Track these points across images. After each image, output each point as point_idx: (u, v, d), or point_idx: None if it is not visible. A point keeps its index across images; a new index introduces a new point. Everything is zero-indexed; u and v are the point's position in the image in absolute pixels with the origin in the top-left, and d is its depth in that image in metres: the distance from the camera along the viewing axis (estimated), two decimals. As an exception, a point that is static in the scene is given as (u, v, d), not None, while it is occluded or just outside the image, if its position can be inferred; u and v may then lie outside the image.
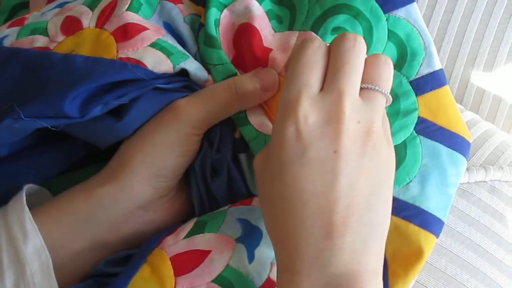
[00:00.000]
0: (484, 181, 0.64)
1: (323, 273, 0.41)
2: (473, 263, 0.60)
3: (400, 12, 0.55)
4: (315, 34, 0.54)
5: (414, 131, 0.53)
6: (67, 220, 0.50)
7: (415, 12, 0.56)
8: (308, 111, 0.43)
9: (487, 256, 0.61)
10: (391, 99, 0.47)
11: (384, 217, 0.45)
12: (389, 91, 0.46)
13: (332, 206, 0.42)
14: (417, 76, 0.55)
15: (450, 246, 0.60)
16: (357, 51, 0.45)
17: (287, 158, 0.43)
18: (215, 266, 0.48)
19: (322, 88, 0.45)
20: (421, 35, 0.56)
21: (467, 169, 0.64)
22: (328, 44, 0.47)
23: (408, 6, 0.56)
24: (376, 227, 0.43)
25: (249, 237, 0.50)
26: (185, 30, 0.58)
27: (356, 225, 0.42)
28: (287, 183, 0.43)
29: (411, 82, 0.55)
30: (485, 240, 0.61)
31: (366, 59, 0.47)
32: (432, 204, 0.51)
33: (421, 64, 0.55)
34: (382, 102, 0.46)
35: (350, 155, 0.42)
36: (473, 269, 0.60)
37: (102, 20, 0.56)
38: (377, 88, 0.45)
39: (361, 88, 0.45)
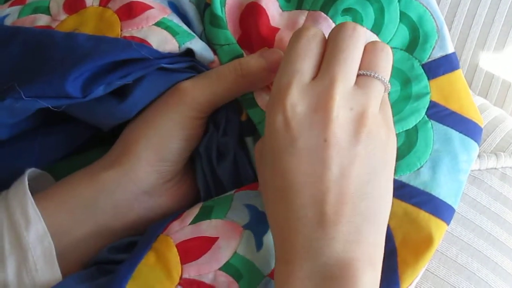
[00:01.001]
0: (495, 168, 0.64)
1: (316, 262, 0.41)
2: (484, 251, 0.60)
3: None
4: (324, 15, 0.53)
5: (425, 116, 0.52)
6: (70, 205, 0.50)
7: None
8: (297, 99, 0.43)
9: (498, 244, 0.61)
10: (389, 86, 0.46)
11: (381, 205, 0.44)
12: (387, 78, 0.46)
13: (323, 195, 0.41)
14: (430, 60, 0.54)
15: (461, 235, 0.60)
16: (354, 40, 0.44)
17: (277, 147, 0.43)
18: (222, 253, 0.47)
19: (316, 76, 0.44)
20: (433, 17, 0.55)
21: (478, 156, 0.64)
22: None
23: None
24: (372, 216, 0.43)
25: (257, 224, 0.49)
26: (190, 10, 0.57)
27: (350, 214, 0.41)
28: (278, 173, 0.43)
29: (423, 66, 0.54)
30: (496, 228, 0.61)
31: (364, 48, 0.46)
32: (443, 191, 0.51)
33: (434, 47, 0.54)
34: (379, 88, 0.45)
35: (342, 143, 0.42)
36: (484, 257, 0.60)
37: (106, -2, 0.55)
38: (373, 74, 0.45)
39: (357, 76, 0.45)
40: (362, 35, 0.45)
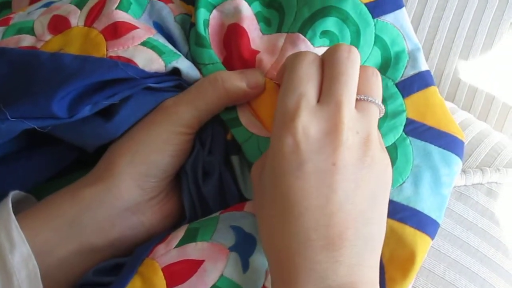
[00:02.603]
0: (481, 184, 0.64)
1: (320, 285, 0.41)
2: (471, 268, 0.60)
3: (388, 17, 0.56)
4: (302, 37, 0.54)
5: (403, 133, 0.53)
6: (53, 224, 0.49)
7: (402, 17, 0.57)
8: (307, 122, 0.43)
9: (485, 260, 0.61)
10: (383, 110, 0.48)
11: (379, 229, 0.45)
12: (381, 101, 0.47)
13: (328, 220, 0.41)
14: (403, 78, 0.55)
15: (448, 251, 0.60)
16: (352, 62, 0.45)
17: (282, 170, 0.43)
18: (208, 276, 0.47)
19: (318, 100, 0.45)
20: (405, 40, 0.56)
21: (464, 172, 0.64)
22: (321, 56, 0.48)
23: (397, 12, 0.56)
24: (372, 240, 0.43)
25: (243, 245, 0.49)
26: (175, 30, 0.57)
27: (353, 238, 0.42)
28: (281, 195, 0.43)
29: (397, 85, 0.55)
30: (484, 244, 0.61)
31: None
32: (426, 205, 0.51)
33: (406, 66, 0.55)
34: (376, 113, 0.46)
35: (349, 167, 0.42)
36: (472, 274, 0.60)
37: (91, 19, 0.55)
38: (370, 99, 0.46)
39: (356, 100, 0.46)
40: (358, 56, 0.46)
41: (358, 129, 0.44)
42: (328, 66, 0.46)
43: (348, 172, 0.42)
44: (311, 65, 0.46)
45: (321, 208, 0.42)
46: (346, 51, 0.46)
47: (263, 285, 0.48)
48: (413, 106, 0.54)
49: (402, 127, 0.53)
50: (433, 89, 0.55)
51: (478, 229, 0.62)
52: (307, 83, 0.45)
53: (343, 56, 0.45)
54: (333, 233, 0.41)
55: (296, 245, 0.42)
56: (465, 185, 0.64)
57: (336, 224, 0.41)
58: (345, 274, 0.41)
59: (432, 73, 0.72)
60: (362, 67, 0.47)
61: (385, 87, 0.54)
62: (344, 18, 0.54)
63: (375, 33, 0.55)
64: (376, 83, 0.47)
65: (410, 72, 0.55)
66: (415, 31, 0.79)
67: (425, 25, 0.79)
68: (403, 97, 0.54)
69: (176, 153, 0.52)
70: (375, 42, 0.55)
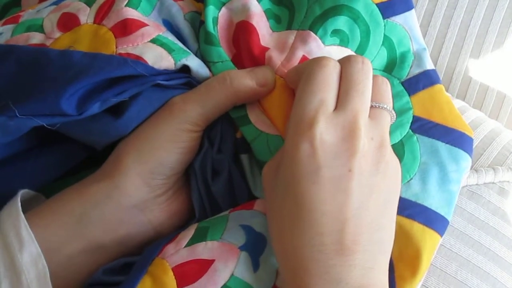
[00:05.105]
0: (493, 183, 0.63)
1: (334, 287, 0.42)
2: (483, 267, 0.59)
3: (398, 19, 0.56)
4: (313, 34, 0.53)
5: (410, 130, 0.53)
6: (61, 221, 0.49)
7: (411, 19, 0.57)
8: (324, 128, 0.44)
9: (497, 259, 0.60)
10: (395, 116, 0.49)
11: (390, 233, 0.46)
12: (392, 108, 0.48)
13: (342, 225, 0.42)
14: (409, 77, 0.56)
15: (460, 251, 0.60)
16: (366, 72, 0.47)
17: (298, 175, 0.43)
18: (219, 276, 0.47)
19: (335, 107, 0.46)
20: (411, 41, 0.57)
21: (476, 170, 0.63)
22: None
23: (406, 13, 0.57)
24: (383, 244, 0.44)
25: (253, 245, 0.49)
26: (185, 28, 0.57)
27: (366, 243, 0.43)
28: (297, 200, 0.43)
29: (403, 83, 0.55)
30: (495, 243, 0.61)
31: None
32: (434, 202, 0.51)
33: (411, 65, 0.56)
34: (388, 119, 0.48)
35: (364, 173, 0.43)
36: (484, 273, 0.59)
37: (100, 16, 0.55)
38: (382, 105, 0.47)
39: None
40: (371, 67, 0.47)
41: (372, 136, 0.45)
42: (345, 75, 0.47)
43: (363, 178, 0.43)
44: (332, 72, 0.46)
45: (335, 214, 0.42)
46: (360, 62, 0.47)
47: (274, 284, 0.48)
48: (420, 104, 0.54)
49: (409, 125, 0.53)
50: (439, 87, 0.56)
51: (490, 228, 0.61)
52: (328, 91, 0.46)
53: (358, 66, 0.46)
54: (347, 238, 0.42)
55: (308, 249, 0.42)
56: (477, 184, 0.63)
57: (350, 230, 0.42)
58: (358, 277, 0.42)
59: (442, 72, 0.73)
60: (373, 76, 0.48)
61: (391, 86, 0.54)
62: (356, 17, 0.54)
63: (384, 34, 0.55)
64: (387, 90, 0.49)
65: (416, 71, 0.56)
66: (426, 28, 0.79)
67: (436, 23, 0.79)
68: (409, 95, 0.55)
69: (183, 150, 0.52)
70: (383, 42, 0.55)
